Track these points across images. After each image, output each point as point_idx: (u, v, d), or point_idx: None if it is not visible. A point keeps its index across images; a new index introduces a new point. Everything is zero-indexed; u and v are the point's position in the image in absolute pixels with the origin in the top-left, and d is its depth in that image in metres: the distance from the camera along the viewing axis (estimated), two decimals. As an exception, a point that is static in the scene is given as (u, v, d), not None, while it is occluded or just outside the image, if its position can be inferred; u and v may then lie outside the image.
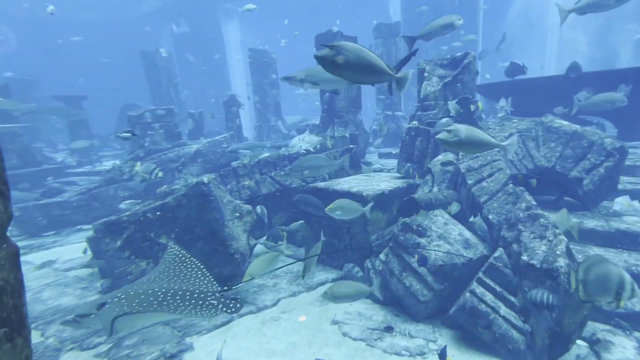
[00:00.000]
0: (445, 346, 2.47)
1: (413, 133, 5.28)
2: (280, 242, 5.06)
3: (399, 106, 12.90)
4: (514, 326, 2.87)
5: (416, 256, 3.34)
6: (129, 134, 4.72)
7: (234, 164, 6.66)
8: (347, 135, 8.58)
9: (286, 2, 24.70)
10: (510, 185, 3.77)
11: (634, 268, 3.28)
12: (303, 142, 5.38)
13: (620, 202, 4.01)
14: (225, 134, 9.58)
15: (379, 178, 5.42)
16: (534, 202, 3.40)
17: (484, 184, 4.00)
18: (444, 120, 5.25)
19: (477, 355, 2.92)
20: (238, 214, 4.50)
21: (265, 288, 4.27)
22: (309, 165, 4.45)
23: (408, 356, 2.95)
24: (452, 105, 5.27)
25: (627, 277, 2.09)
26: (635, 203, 3.99)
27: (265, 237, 5.26)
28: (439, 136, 2.50)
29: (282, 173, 5.87)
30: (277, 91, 14.37)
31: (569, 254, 2.80)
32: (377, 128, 12.33)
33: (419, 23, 16.66)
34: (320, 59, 2.06)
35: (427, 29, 4.16)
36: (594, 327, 3.03)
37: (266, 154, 6.50)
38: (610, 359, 2.59)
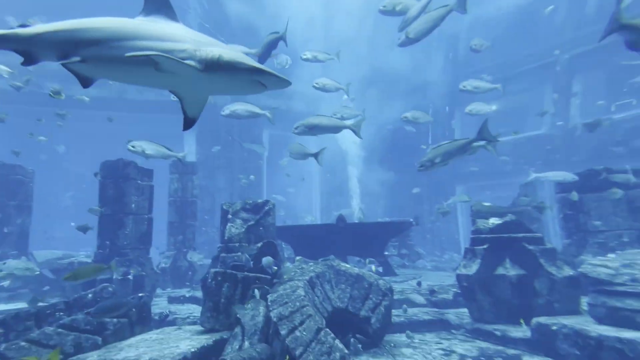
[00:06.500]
0: None
1: (220, 278, 4.83)
2: None
3: (192, 242, 12.20)
4: None
5: None
6: None
7: None
8: (130, 277, 7.03)
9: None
10: (322, 333, 3.80)
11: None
12: None
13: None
14: None
15: (177, 336, 4.39)
16: (346, 351, 3.47)
17: (297, 333, 3.86)
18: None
19: None
20: None
21: None
22: None
23: None
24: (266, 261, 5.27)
25: None
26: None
27: None
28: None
29: None
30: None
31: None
32: (166, 266, 10.91)
33: (213, 162, 17.97)
34: None
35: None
36: None
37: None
38: None
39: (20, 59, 2.63)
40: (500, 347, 4.57)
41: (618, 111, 12.28)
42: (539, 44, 14.79)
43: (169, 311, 6.74)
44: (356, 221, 10.87)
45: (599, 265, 4.04)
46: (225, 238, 5.86)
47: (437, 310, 6.24)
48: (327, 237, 9.56)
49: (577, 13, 13.99)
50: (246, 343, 4.12)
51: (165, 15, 2.69)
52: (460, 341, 5.03)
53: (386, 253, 11.06)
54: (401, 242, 13.05)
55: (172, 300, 8.24)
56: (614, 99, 12.24)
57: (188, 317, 6.54)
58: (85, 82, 2.71)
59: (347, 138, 18.49)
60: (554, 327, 4.03)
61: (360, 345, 4.51)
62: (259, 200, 6.42)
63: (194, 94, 2.96)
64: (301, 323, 4.00)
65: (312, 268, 5.53)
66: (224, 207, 6.27)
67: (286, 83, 2.61)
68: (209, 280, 4.80)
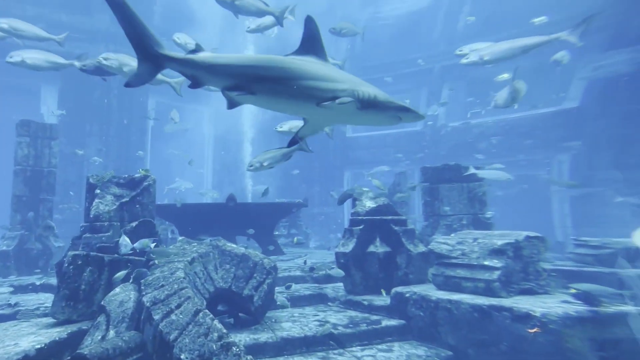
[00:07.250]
0: None
1: (80, 262, 4.20)
2: None
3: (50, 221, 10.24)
4: None
5: None
6: None
7: None
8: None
9: None
10: (200, 314, 3.70)
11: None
12: None
13: None
14: None
15: (17, 331, 3.69)
16: (224, 330, 3.46)
17: (173, 317, 3.67)
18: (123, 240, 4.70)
19: None
20: None
21: None
22: None
23: None
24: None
25: None
26: None
27: None
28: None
29: None
30: None
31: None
32: (8, 249, 8.97)
33: (84, 128, 15.21)
34: None
35: None
36: None
37: None
38: None
39: None
40: (366, 315, 5.22)
41: (472, 117, 14.95)
42: (420, 50, 16.76)
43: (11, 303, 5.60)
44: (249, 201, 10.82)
45: (442, 242, 4.96)
46: (91, 216, 5.09)
47: (317, 285, 6.72)
48: (216, 216, 9.23)
49: (449, 30, 16.31)
50: (111, 332, 3.74)
51: (318, 56, 2.89)
52: (335, 312, 5.55)
53: (276, 233, 11.31)
54: (291, 223, 13.50)
55: (16, 289, 6.85)
56: (470, 107, 14.85)
57: (38, 309, 5.55)
58: (234, 106, 2.87)
59: (246, 116, 17.89)
60: (407, 295, 4.81)
61: (232, 321, 4.61)
62: (136, 175, 5.75)
63: (327, 122, 3.12)
64: (178, 306, 3.81)
65: (195, 249, 5.29)
66: (91, 180, 5.41)
67: (421, 118, 2.88)
68: (66, 264, 4.14)
